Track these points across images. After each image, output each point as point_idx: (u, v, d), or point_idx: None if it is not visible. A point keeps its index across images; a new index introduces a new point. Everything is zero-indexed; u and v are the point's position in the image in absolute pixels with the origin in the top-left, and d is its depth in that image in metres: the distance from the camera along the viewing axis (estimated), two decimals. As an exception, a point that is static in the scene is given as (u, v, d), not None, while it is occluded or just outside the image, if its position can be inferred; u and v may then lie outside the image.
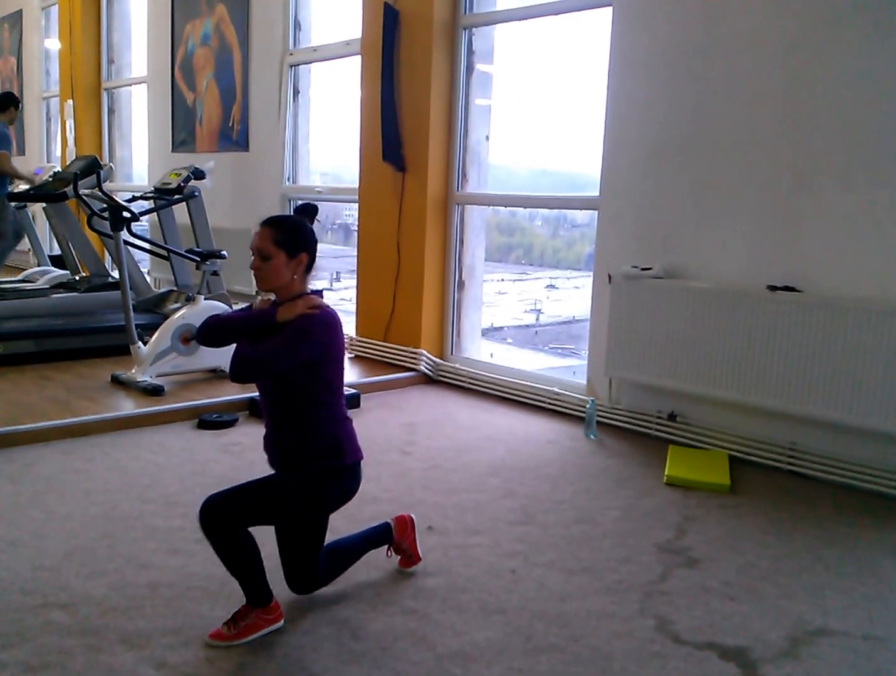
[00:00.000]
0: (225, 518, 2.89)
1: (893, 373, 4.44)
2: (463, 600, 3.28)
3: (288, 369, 2.89)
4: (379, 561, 3.54)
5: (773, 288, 4.85)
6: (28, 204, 9.05)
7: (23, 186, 8.45)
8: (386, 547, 3.47)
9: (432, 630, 3.05)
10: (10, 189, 8.30)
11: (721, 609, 3.29)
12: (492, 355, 7.33)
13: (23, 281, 9.07)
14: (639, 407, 5.64)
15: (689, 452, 5.16)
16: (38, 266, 9.83)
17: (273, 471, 3.12)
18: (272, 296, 3.06)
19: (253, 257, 2.94)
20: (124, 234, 6.24)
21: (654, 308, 5.35)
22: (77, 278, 8.87)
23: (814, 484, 4.74)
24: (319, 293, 3.06)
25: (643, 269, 5.41)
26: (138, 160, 11.35)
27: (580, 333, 8.07)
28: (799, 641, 3.08)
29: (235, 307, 7.55)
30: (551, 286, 12.62)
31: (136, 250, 7.53)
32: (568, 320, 10.77)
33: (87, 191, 6.49)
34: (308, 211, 3.10)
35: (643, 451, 5.26)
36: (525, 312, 11.06)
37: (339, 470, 3.09)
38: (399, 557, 3.51)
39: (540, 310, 11.19)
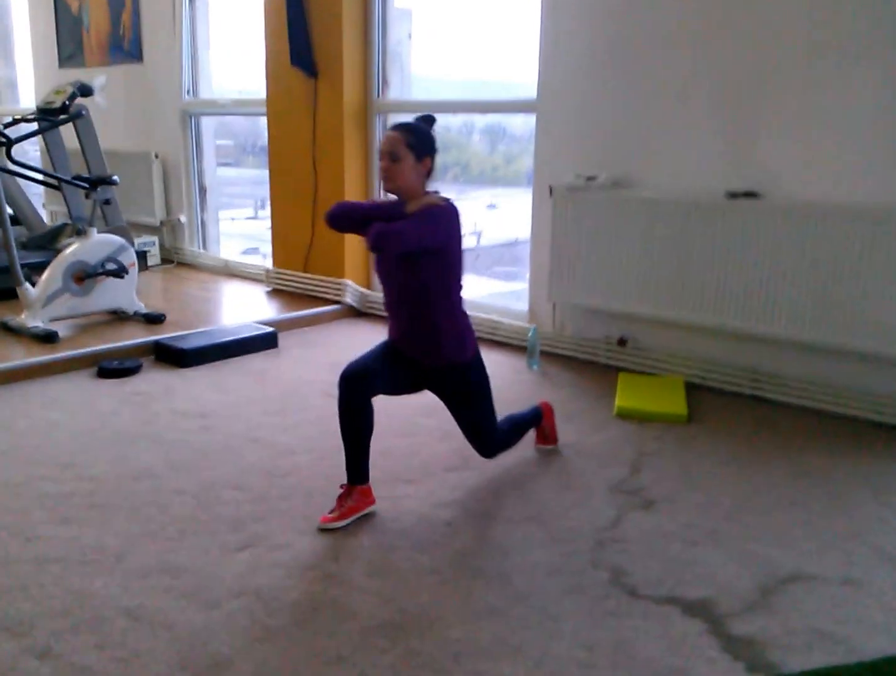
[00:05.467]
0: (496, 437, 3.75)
1: (866, 287, 4.32)
2: (392, 560, 3.11)
3: (422, 247, 3.26)
4: (294, 519, 3.37)
5: (732, 194, 4.71)
6: None
7: None
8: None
9: (357, 597, 2.87)
10: None
11: (681, 556, 3.16)
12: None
13: None
14: (586, 334, 5.50)
15: (641, 380, 5.03)
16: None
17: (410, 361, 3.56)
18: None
19: (382, 159, 3.30)
20: (1, 161, 5.90)
21: (600, 222, 5.18)
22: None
23: (779, 410, 4.65)
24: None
25: (588, 179, 5.23)
26: (26, 79, 10.82)
27: (523, 255, 7.92)
28: (770, 590, 2.95)
29: (138, 240, 7.27)
30: (492, 206, 12.38)
31: (30, 181, 7.19)
32: (511, 242, 10.59)
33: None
34: (428, 120, 3.44)
35: (592, 381, 5.13)
36: (465, 235, 10.79)
37: (478, 353, 3.64)
38: (537, 436, 4.16)
39: (480, 232, 10.98)
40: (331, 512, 3.39)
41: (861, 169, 4.39)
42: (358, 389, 3.30)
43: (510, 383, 5.12)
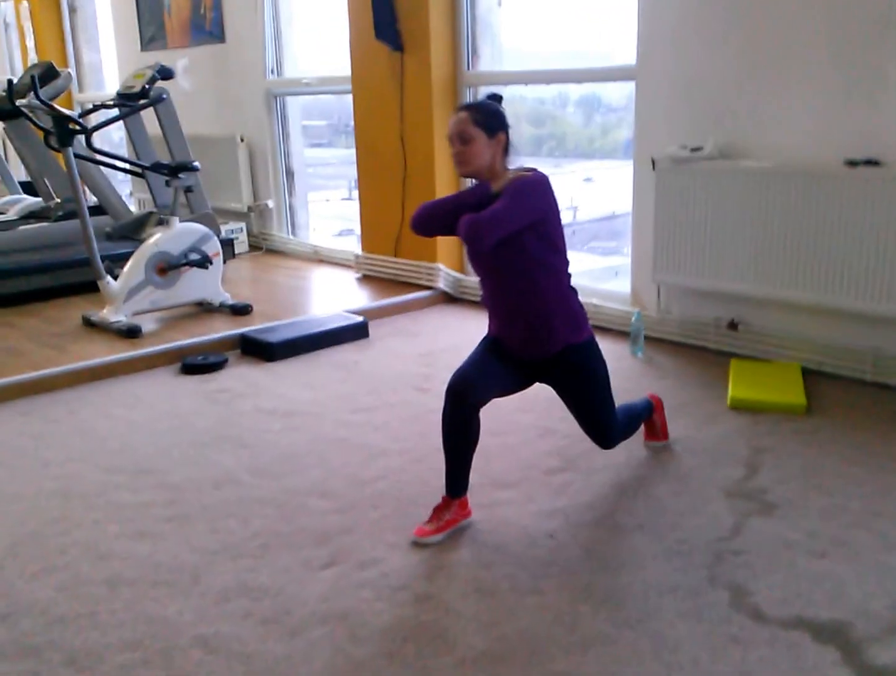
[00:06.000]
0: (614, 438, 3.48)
1: None
2: (490, 579, 2.89)
3: (521, 226, 3.01)
4: (384, 531, 3.17)
5: (851, 162, 4.36)
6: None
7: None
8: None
9: (452, 623, 2.65)
10: None
11: (809, 570, 2.88)
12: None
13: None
14: (693, 317, 5.19)
15: (755, 366, 4.72)
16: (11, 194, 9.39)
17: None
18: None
19: (452, 144, 3.09)
20: (81, 149, 5.79)
21: (707, 196, 4.86)
22: (51, 205, 8.46)
23: (906, 398, 4.32)
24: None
25: (693, 150, 4.91)
26: (110, 64, 10.80)
27: (621, 229, 7.75)
28: (911, 610, 2.67)
29: (224, 227, 7.15)
30: (588, 179, 12.07)
31: (110, 168, 7.11)
32: (608, 216, 10.33)
33: (23, 102, 6.02)
34: (495, 98, 3.22)
35: (701, 369, 4.83)
36: (565, 210, 10.57)
37: (593, 336, 3.35)
38: (646, 432, 3.91)
39: (577, 207, 10.74)
40: (426, 523, 3.18)
41: None
42: (466, 402, 3.09)
43: (613, 372, 4.72)
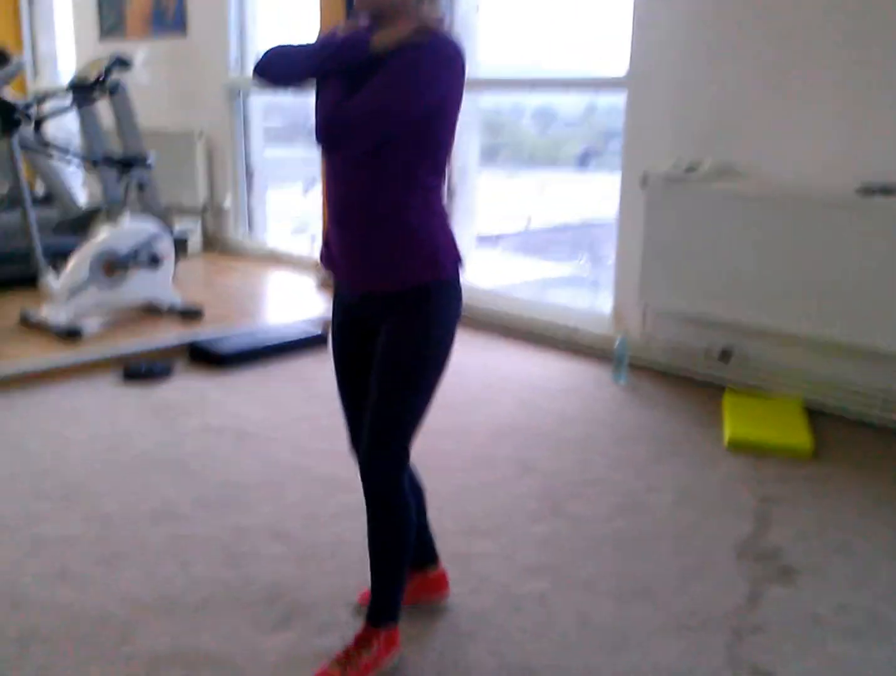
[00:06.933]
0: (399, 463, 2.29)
1: None
2: (472, 657, 2.37)
3: (395, 132, 2.04)
4: (343, 588, 2.65)
5: (865, 190, 3.93)
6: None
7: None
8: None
9: (430, 714, 2.16)
10: None
11: (845, 654, 2.42)
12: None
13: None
14: (682, 344, 4.72)
15: (753, 402, 4.26)
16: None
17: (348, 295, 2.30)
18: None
19: None
20: (28, 139, 5.25)
21: (702, 218, 4.41)
22: (-2, 194, 7.87)
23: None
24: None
25: (688, 169, 4.46)
26: (66, 53, 10.17)
27: (579, 239, 7.56)
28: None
29: (177, 227, 6.63)
30: (543, 189, 12.00)
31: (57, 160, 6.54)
32: (563, 226, 10.19)
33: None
34: None
35: (691, 401, 4.37)
36: (518, 219, 10.40)
37: (454, 282, 2.23)
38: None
39: (531, 218, 10.57)
40: (337, 662, 2.26)
41: None
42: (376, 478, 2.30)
43: (593, 399, 4.39)
